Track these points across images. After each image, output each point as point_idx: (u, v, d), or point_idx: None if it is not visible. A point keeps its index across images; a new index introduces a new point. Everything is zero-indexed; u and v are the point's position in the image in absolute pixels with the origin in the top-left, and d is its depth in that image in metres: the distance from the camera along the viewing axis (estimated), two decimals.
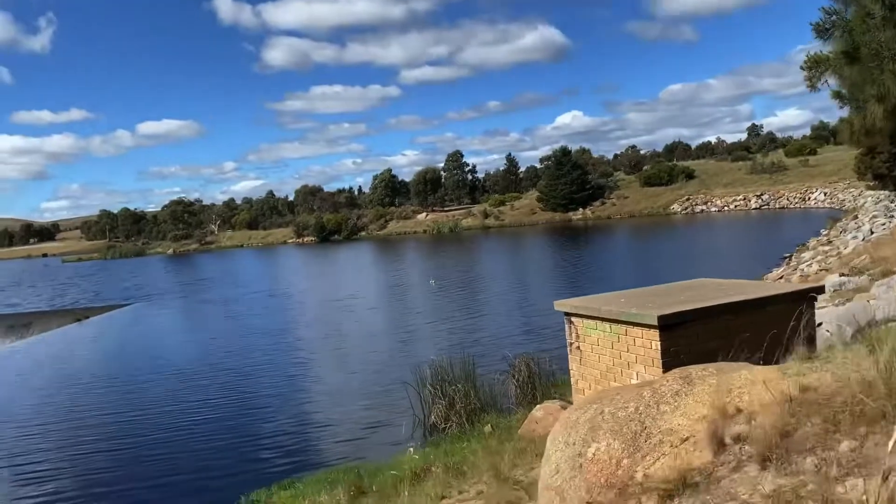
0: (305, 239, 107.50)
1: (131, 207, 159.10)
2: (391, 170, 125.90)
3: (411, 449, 9.82)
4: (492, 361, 16.39)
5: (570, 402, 12.11)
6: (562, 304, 6.69)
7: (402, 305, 31.47)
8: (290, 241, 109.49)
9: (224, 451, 13.12)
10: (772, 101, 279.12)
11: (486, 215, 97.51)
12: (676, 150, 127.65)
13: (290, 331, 26.99)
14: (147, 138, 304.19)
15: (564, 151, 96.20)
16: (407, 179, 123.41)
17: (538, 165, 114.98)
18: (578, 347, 6.48)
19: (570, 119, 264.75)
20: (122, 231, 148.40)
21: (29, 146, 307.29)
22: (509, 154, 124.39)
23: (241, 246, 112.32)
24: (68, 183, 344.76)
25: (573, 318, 6.53)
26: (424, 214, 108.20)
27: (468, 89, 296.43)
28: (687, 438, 3.70)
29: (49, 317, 37.76)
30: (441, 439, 11.99)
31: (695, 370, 4.41)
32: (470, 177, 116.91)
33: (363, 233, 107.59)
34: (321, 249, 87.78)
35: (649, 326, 5.77)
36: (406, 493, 8.67)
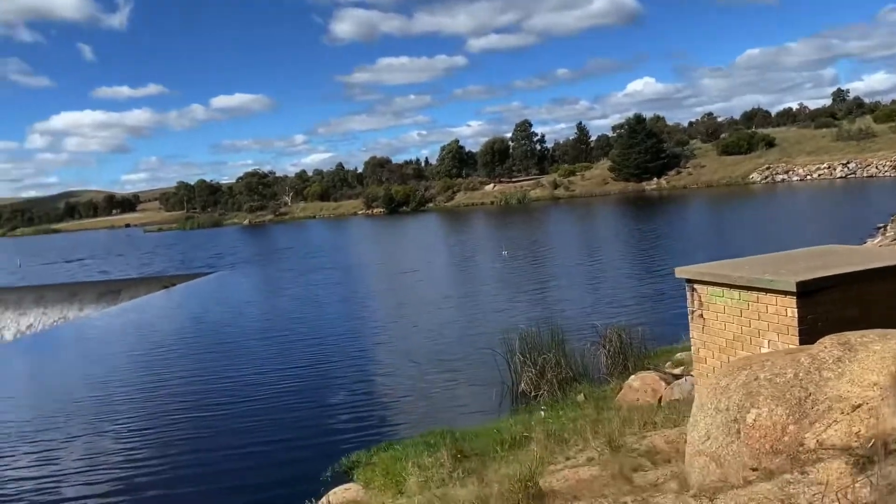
0: (374, 210, 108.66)
1: (207, 179, 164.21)
2: (458, 140, 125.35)
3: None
4: (578, 331, 16.26)
5: (668, 373, 11.92)
6: (684, 271, 6.50)
7: (476, 276, 31.50)
8: (360, 212, 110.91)
9: (313, 418, 13.35)
10: (858, 65, 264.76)
11: (555, 186, 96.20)
12: (756, 117, 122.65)
13: (369, 300, 27.41)
14: (220, 112, 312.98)
15: (638, 119, 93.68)
16: (472, 150, 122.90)
17: (610, 134, 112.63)
18: (701, 315, 6.30)
19: (642, 86, 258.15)
20: (199, 202, 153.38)
21: (109, 120, 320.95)
22: (580, 123, 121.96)
23: (314, 217, 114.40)
24: (147, 156, 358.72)
25: (696, 285, 6.35)
26: (492, 185, 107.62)
27: (535, 57, 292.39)
28: (859, 405, 3.55)
29: (137, 284, 39.37)
30: (533, 407, 12.00)
31: (853, 336, 4.22)
32: (538, 147, 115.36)
33: (430, 204, 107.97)
34: (390, 221, 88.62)
35: (785, 293, 5.55)
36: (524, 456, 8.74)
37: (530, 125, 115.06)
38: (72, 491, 11.09)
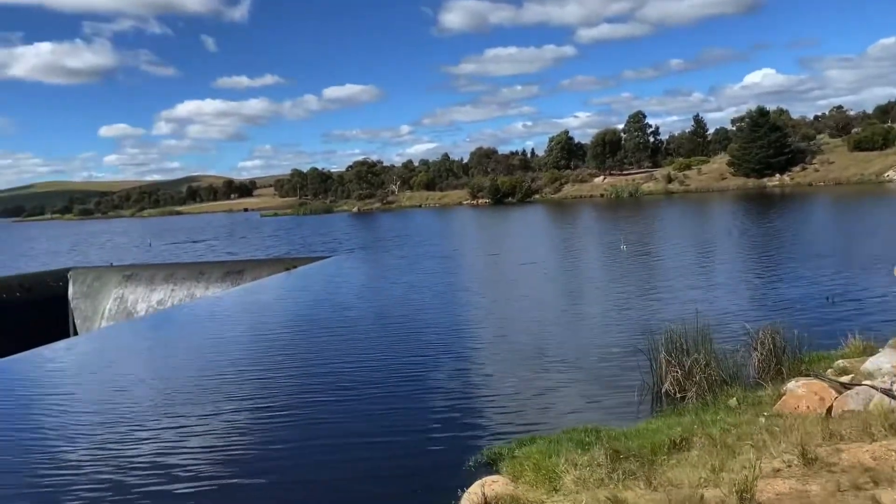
0: (480, 201, 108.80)
1: (318, 167, 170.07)
2: (567, 131, 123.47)
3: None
4: (718, 331, 15.43)
5: (833, 380, 11.04)
6: None
7: (596, 270, 30.76)
8: (465, 202, 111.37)
9: (443, 408, 13.06)
10: None
11: (669, 180, 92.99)
12: (892, 110, 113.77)
13: (488, 290, 27.17)
14: (331, 102, 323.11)
15: (762, 112, 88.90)
16: (581, 142, 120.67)
17: (728, 127, 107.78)
18: None
19: (761, 77, 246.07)
20: (311, 189, 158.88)
21: (228, 109, 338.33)
22: (696, 115, 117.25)
23: (420, 206, 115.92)
24: (262, 144, 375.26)
25: None
26: (601, 178, 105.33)
27: (648, 47, 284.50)
28: None
29: (261, 265, 40.90)
30: (682, 409, 11.42)
31: None
32: (652, 139, 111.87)
33: (537, 196, 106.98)
34: (496, 211, 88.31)
35: None
36: (672, 461, 8.30)
37: (644, 116, 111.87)
38: (203, 467, 10.99)
